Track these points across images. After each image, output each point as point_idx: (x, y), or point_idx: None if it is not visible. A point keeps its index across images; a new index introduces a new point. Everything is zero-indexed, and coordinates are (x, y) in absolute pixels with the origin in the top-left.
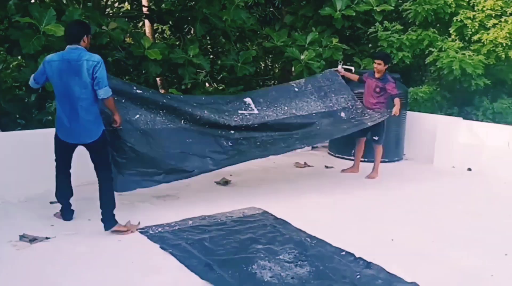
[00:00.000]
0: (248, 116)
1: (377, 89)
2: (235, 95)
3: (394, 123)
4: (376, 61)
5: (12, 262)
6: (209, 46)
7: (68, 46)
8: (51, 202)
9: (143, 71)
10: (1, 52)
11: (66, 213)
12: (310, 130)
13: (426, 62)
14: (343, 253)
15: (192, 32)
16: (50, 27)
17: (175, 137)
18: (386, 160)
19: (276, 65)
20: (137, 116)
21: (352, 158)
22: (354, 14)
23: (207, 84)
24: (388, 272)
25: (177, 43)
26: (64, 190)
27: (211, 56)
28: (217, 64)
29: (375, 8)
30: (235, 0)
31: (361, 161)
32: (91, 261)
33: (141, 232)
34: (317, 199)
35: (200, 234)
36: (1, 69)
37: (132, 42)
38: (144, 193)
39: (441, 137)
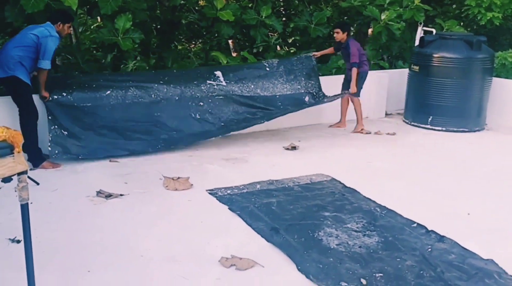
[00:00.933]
0: (215, 86)
1: (347, 56)
2: (207, 67)
3: (476, 90)
4: (334, 30)
5: (89, 215)
6: (282, 8)
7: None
8: (110, 160)
9: (215, 34)
10: (81, 15)
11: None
12: (270, 112)
13: None
14: (414, 225)
15: None
16: None
17: (145, 110)
18: (466, 129)
19: (351, 27)
20: (108, 92)
21: (428, 126)
22: None
23: (278, 47)
24: (462, 247)
25: (250, 5)
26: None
27: (284, 19)
28: (289, 27)
29: None
30: None
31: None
32: (162, 219)
33: (210, 193)
34: (388, 167)
35: (267, 198)
36: (81, 31)
37: (205, 4)
38: (213, 156)
39: None
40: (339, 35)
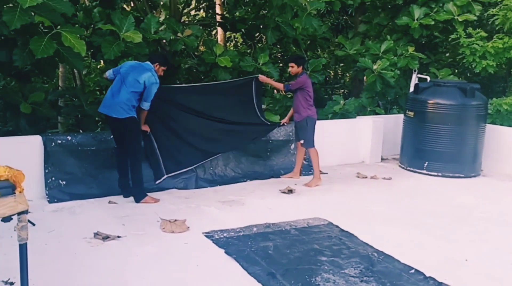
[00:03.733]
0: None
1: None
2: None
3: (470, 136)
4: (289, 64)
5: (86, 257)
6: (279, 55)
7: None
8: (109, 202)
9: (213, 79)
10: (86, 58)
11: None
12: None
13: None
14: (412, 271)
15: (263, 40)
16: (128, 34)
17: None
18: (462, 175)
19: (347, 74)
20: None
21: (424, 171)
22: (433, 23)
23: (275, 91)
24: None
25: (248, 51)
26: (120, 166)
27: (281, 65)
28: (286, 72)
29: (456, 17)
30: (307, 8)
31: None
32: (159, 261)
33: (206, 236)
34: (384, 212)
35: (264, 241)
36: (85, 74)
37: (205, 49)
38: (210, 198)
39: None
40: (294, 69)
